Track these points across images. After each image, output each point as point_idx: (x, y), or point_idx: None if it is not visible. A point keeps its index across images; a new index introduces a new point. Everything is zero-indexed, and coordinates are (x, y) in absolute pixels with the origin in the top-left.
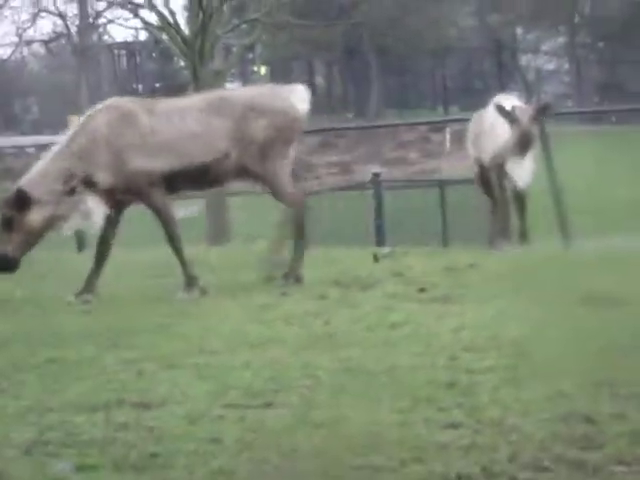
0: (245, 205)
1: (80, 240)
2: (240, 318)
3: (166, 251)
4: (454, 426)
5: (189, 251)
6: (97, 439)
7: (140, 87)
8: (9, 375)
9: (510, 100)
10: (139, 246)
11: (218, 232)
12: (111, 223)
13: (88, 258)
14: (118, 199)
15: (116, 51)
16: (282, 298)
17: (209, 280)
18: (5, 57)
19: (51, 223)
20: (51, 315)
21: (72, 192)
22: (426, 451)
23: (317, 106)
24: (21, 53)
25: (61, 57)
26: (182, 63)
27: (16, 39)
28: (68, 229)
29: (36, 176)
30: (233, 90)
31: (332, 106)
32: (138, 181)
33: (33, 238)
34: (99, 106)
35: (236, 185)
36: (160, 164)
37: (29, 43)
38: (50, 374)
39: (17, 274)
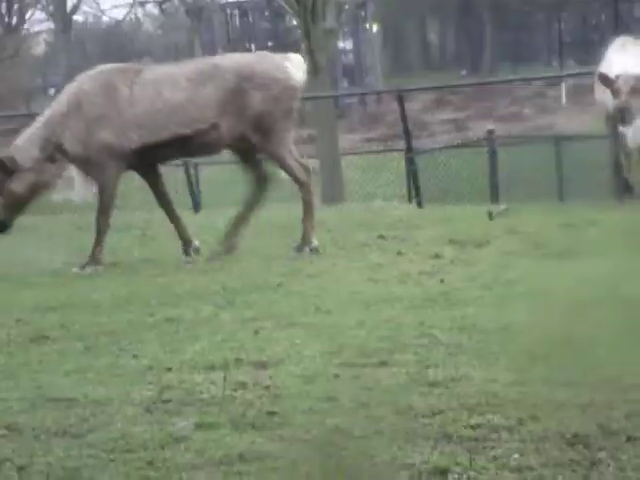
0: (359, 164)
1: (195, 201)
2: (355, 277)
3: (279, 211)
4: (571, 384)
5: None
6: (216, 398)
7: (253, 46)
8: (128, 335)
9: (631, 43)
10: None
11: (333, 192)
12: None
13: (203, 218)
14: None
15: (229, 10)
16: (397, 257)
17: (324, 239)
18: (120, 18)
19: (34, 190)
20: (168, 275)
21: (52, 160)
22: (543, 409)
23: (430, 63)
24: (135, 14)
25: (175, 17)
26: (294, 22)
27: (130, 0)
28: (55, 196)
29: (22, 142)
30: (226, 58)
31: (446, 63)
32: (99, 153)
33: (19, 203)
34: (88, 72)
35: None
36: (128, 139)
37: (143, 4)
38: (168, 333)
39: (134, 235)
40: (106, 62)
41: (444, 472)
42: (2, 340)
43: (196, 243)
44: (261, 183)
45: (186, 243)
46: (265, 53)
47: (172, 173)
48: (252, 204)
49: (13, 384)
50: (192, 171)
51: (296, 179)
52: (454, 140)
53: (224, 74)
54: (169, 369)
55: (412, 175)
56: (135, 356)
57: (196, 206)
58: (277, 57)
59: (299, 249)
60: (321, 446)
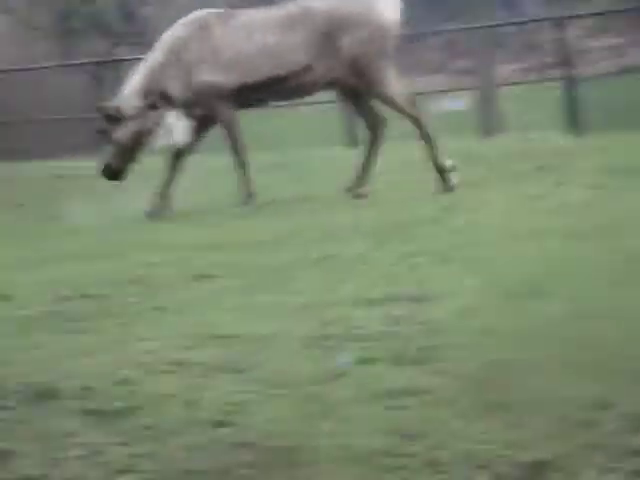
0: (517, 96)
1: (352, 137)
2: (512, 209)
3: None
4: None
5: (460, 144)
6: (375, 333)
7: None
8: (289, 272)
9: None
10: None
11: (490, 123)
12: (192, 137)
13: (357, 155)
14: (196, 114)
15: None
16: (556, 188)
17: (481, 172)
18: None
19: (139, 137)
20: (324, 212)
21: (153, 107)
22: None
23: None
24: None
25: None
26: None
27: None
28: (156, 144)
29: (126, 92)
30: (316, 1)
31: None
32: (205, 95)
33: (127, 151)
34: (182, 20)
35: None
36: (228, 78)
37: None
38: (327, 270)
39: (285, 172)
40: None
41: (605, 406)
42: (166, 278)
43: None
44: (376, 123)
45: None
46: None
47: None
48: (373, 146)
49: (177, 321)
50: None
51: (406, 115)
52: (614, 67)
53: (314, 18)
54: (329, 305)
55: (571, 104)
56: (296, 293)
57: (354, 142)
58: None
59: (444, 184)
60: (480, 380)
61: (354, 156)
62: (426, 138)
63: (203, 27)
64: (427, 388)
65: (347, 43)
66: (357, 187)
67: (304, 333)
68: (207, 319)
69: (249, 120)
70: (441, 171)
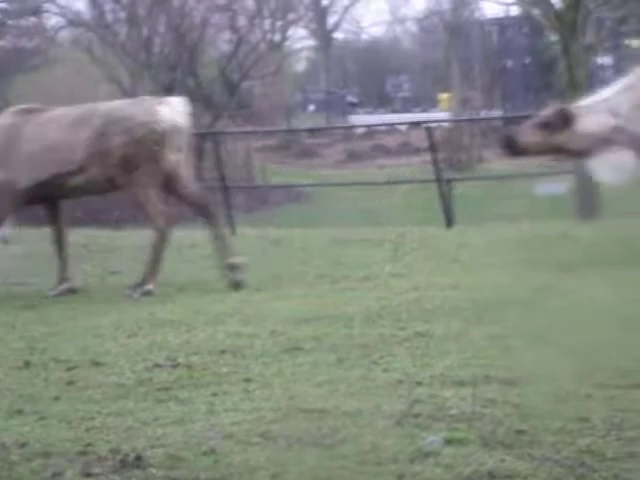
0: None
1: (449, 216)
2: (607, 293)
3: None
4: None
5: (557, 226)
6: (465, 414)
7: (510, 63)
8: (379, 348)
9: None
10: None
11: (589, 207)
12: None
13: (456, 234)
14: None
15: (487, 27)
16: None
17: (579, 256)
18: (379, 36)
19: None
20: (419, 290)
21: None
22: None
23: None
24: (394, 32)
25: (433, 34)
26: (553, 38)
27: (389, 17)
28: None
29: None
30: (105, 103)
31: None
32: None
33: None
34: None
35: None
36: (18, 178)
37: (402, 21)
38: (418, 348)
39: (387, 249)
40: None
41: None
42: (257, 350)
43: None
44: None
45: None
46: (143, 98)
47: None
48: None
49: (267, 393)
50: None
51: (154, 226)
52: None
53: (95, 118)
54: (419, 383)
55: None
56: (386, 369)
57: (449, 221)
58: (150, 101)
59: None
60: (572, 467)
61: (452, 236)
62: (154, 250)
63: (11, 123)
64: (517, 472)
65: (118, 142)
66: None
67: (394, 410)
68: (296, 392)
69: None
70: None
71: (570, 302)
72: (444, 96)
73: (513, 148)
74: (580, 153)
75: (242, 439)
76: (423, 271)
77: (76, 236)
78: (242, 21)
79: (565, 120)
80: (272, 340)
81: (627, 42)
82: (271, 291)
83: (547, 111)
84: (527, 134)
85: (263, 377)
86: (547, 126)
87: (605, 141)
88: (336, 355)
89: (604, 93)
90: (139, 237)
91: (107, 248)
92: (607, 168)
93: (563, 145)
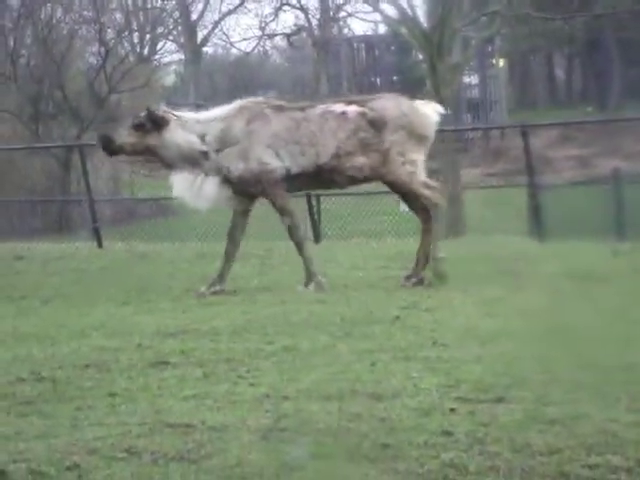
0: (481, 199)
1: (316, 232)
2: (472, 311)
3: (403, 243)
4: None
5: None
6: (331, 428)
7: (378, 80)
8: (246, 362)
9: None
10: (374, 237)
11: (454, 225)
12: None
13: (323, 249)
14: None
15: (355, 44)
16: (515, 292)
17: (444, 272)
18: (248, 50)
19: None
20: (286, 304)
21: None
22: None
23: (556, 99)
24: (264, 47)
25: (302, 50)
26: (420, 56)
27: (259, 33)
28: None
29: None
30: None
31: (571, 99)
32: None
33: None
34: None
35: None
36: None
37: (271, 37)
38: (285, 362)
39: (254, 263)
40: (234, 94)
41: None
42: (123, 364)
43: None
44: None
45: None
46: None
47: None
48: None
49: (133, 408)
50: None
51: None
52: (578, 177)
53: None
54: (286, 398)
55: (534, 210)
56: (252, 384)
57: (317, 237)
58: None
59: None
60: None
61: (318, 251)
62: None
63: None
64: None
65: None
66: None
67: (260, 425)
68: (162, 407)
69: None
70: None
71: (434, 318)
72: None
73: (109, 148)
74: (168, 161)
75: (107, 454)
76: (290, 285)
77: None
78: (110, 34)
79: (155, 123)
80: (138, 354)
81: (493, 61)
82: (138, 305)
83: (142, 113)
84: (123, 135)
85: (129, 391)
86: (140, 128)
87: (190, 159)
88: (202, 369)
89: (206, 114)
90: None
91: None
92: (185, 186)
93: (154, 148)
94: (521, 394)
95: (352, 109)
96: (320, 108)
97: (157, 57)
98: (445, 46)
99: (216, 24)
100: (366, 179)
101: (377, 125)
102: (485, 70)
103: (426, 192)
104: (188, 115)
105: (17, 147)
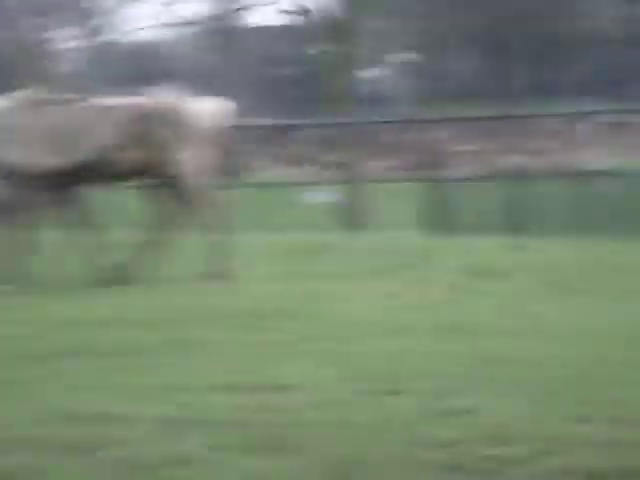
0: (381, 192)
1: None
2: (369, 304)
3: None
4: (589, 420)
5: (323, 237)
6: (228, 420)
7: (279, 72)
8: (147, 354)
9: None
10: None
11: (356, 218)
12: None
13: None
14: None
15: (257, 35)
16: (412, 286)
17: (341, 267)
18: (150, 39)
19: None
20: (183, 295)
21: None
22: (557, 444)
23: (457, 94)
24: (165, 34)
25: (203, 40)
26: (321, 48)
27: (162, 21)
28: None
29: None
30: None
31: (472, 94)
32: None
33: None
34: None
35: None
36: None
37: (175, 25)
38: (184, 354)
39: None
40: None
41: None
42: (20, 352)
43: None
44: None
45: None
46: None
47: None
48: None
49: (29, 398)
50: None
51: None
52: (478, 172)
53: None
54: (184, 389)
55: (436, 204)
56: (153, 375)
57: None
58: None
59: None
60: (332, 473)
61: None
62: None
63: None
64: (275, 476)
65: None
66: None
67: (158, 415)
68: (60, 397)
69: None
70: None
71: (334, 311)
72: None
73: None
74: None
75: (2, 445)
76: (194, 278)
77: None
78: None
79: None
80: (37, 343)
81: (397, 55)
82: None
83: None
84: None
85: (25, 381)
86: None
87: None
88: (104, 360)
89: None
90: None
91: None
92: None
93: None
94: (418, 386)
95: (121, 103)
96: (89, 102)
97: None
98: (344, 39)
99: (112, 11)
100: (134, 174)
101: (149, 120)
102: (387, 63)
103: (190, 191)
104: None
105: None
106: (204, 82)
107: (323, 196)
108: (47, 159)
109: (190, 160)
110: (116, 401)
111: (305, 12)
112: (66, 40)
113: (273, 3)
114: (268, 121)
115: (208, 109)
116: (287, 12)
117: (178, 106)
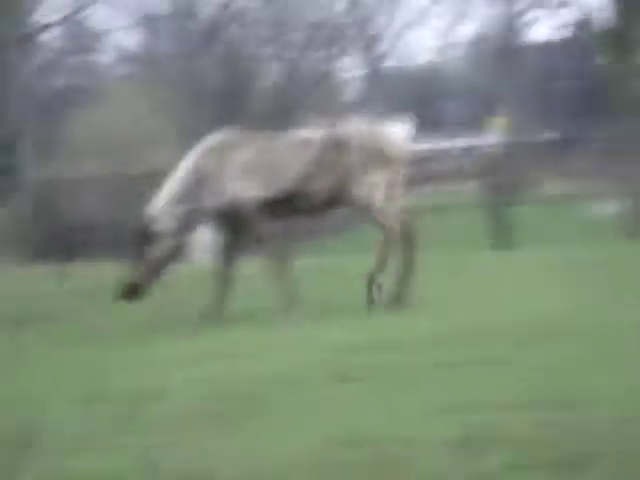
0: None
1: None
2: None
3: None
4: None
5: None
6: (523, 438)
7: (560, 85)
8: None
9: None
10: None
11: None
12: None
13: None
14: None
15: (537, 51)
16: None
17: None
18: (427, 60)
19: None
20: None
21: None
22: None
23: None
24: (444, 56)
25: (482, 59)
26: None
27: (439, 43)
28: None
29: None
30: None
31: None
32: None
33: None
34: None
35: None
36: None
37: (453, 47)
38: (467, 373)
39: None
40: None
41: None
42: (310, 378)
43: None
44: None
45: None
46: None
47: None
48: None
49: (322, 421)
50: None
51: None
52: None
53: None
54: (472, 408)
55: None
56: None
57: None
58: None
59: None
60: None
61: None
62: None
63: None
64: None
65: None
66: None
67: (448, 436)
68: (351, 420)
69: None
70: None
71: None
72: (496, 120)
73: None
74: None
75: (298, 469)
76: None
77: None
78: (293, 53)
79: None
80: (324, 368)
81: None
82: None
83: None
84: None
85: (317, 405)
86: None
87: None
88: (387, 382)
89: None
90: None
91: None
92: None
93: None
94: None
95: (315, 134)
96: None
97: (338, 73)
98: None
99: (395, 38)
100: (327, 202)
101: (339, 148)
102: None
103: (380, 217)
104: None
105: None
106: (485, 99)
107: (612, 208)
108: (253, 192)
109: (382, 185)
110: (404, 423)
111: (584, 25)
112: (350, 69)
113: (551, 18)
114: (552, 135)
115: (399, 134)
116: (565, 27)
117: (373, 132)
